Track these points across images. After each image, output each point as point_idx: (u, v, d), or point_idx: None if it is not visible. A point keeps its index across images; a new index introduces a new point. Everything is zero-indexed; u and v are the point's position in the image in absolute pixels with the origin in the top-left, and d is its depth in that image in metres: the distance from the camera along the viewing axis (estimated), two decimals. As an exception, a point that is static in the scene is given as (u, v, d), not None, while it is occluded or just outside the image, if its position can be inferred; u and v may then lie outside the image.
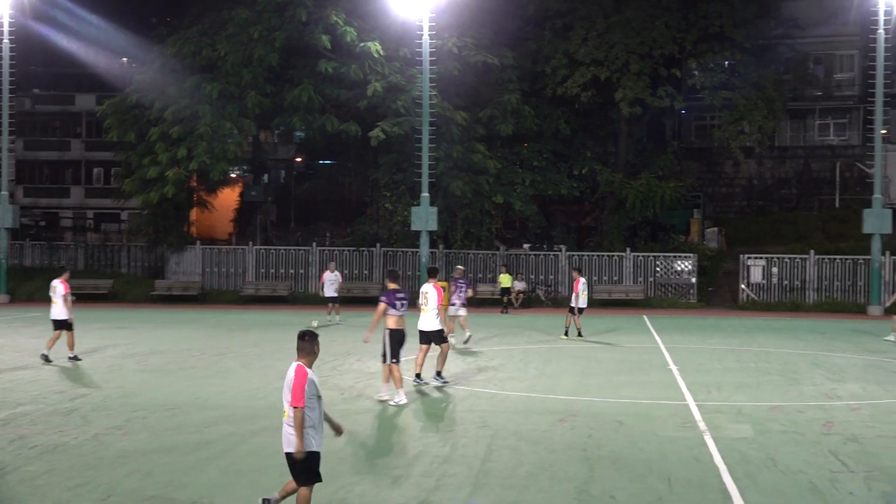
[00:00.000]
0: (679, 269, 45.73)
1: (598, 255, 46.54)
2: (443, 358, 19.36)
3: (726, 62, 52.63)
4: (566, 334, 28.97)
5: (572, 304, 28.81)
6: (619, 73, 48.69)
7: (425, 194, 43.23)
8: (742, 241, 51.61)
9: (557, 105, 50.69)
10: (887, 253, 43.70)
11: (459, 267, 28.46)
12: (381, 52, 44.96)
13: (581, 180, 51.34)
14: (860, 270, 44.13)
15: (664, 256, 46.06)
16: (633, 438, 14.17)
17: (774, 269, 44.67)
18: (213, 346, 26.08)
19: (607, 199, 51.85)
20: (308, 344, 9.24)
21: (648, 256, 45.97)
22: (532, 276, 46.43)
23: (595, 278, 45.93)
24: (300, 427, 8.91)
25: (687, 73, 53.86)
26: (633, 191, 49.14)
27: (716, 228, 52.39)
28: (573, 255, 46.47)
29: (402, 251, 46.58)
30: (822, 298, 44.37)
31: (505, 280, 41.13)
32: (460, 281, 26.92)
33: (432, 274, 19.60)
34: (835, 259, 44.79)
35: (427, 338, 18.93)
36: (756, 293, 44.60)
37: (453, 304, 26.40)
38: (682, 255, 46.14)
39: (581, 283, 28.73)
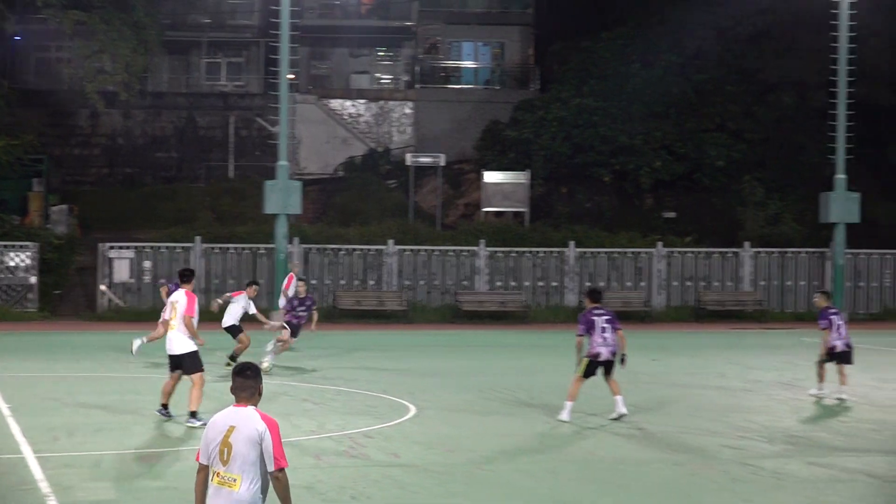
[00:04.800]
0: (12, 263, 45.16)
1: None
2: (198, 391, 19.77)
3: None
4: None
5: None
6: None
7: None
8: (103, 225, 52.03)
9: None
10: (296, 239, 46.24)
11: None
12: None
13: None
14: (261, 262, 46.35)
15: (-9, 246, 45.29)
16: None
17: (147, 263, 45.61)
18: None
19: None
20: (256, 382, 9.20)
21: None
22: None
23: None
24: (289, 494, 9.15)
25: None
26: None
27: (66, 206, 52.42)
28: None
29: None
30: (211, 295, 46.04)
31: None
32: None
33: (186, 278, 20.64)
34: (228, 249, 46.64)
35: (176, 363, 20.03)
36: (122, 296, 45.24)
37: None
38: (17, 244, 45.59)
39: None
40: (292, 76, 47.27)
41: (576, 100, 56.89)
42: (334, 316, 45.39)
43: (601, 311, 21.42)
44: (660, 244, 49.51)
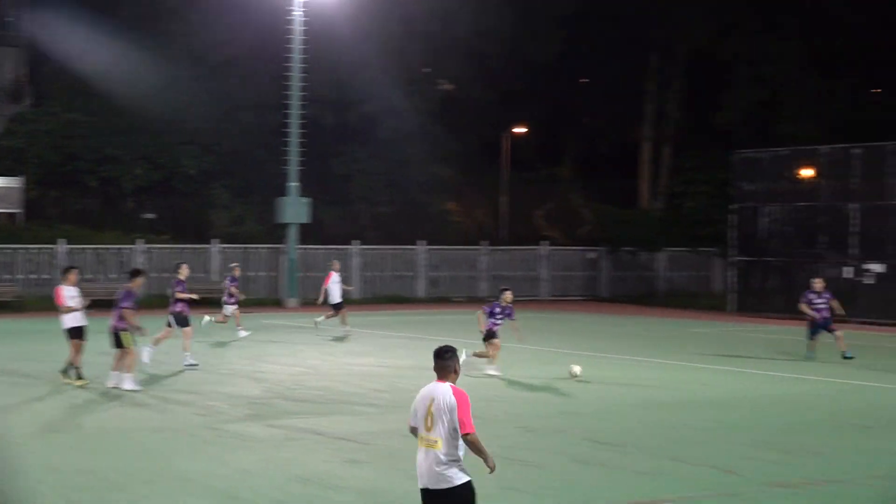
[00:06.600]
0: None
1: None
2: None
3: None
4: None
5: None
6: None
7: None
8: None
9: None
10: None
11: None
12: None
13: None
14: None
15: None
16: None
17: None
18: None
19: None
20: (453, 363, 10.04)
21: None
22: None
23: None
24: (483, 448, 9.82)
25: None
26: None
27: None
28: None
29: None
30: None
31: None
32: None
33: None
34: None
35: None
36: None
37: None
38: None
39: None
40: None
41: (66, 114, 56.01)
42: None
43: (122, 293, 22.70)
44: (140, 241, 49.65)
